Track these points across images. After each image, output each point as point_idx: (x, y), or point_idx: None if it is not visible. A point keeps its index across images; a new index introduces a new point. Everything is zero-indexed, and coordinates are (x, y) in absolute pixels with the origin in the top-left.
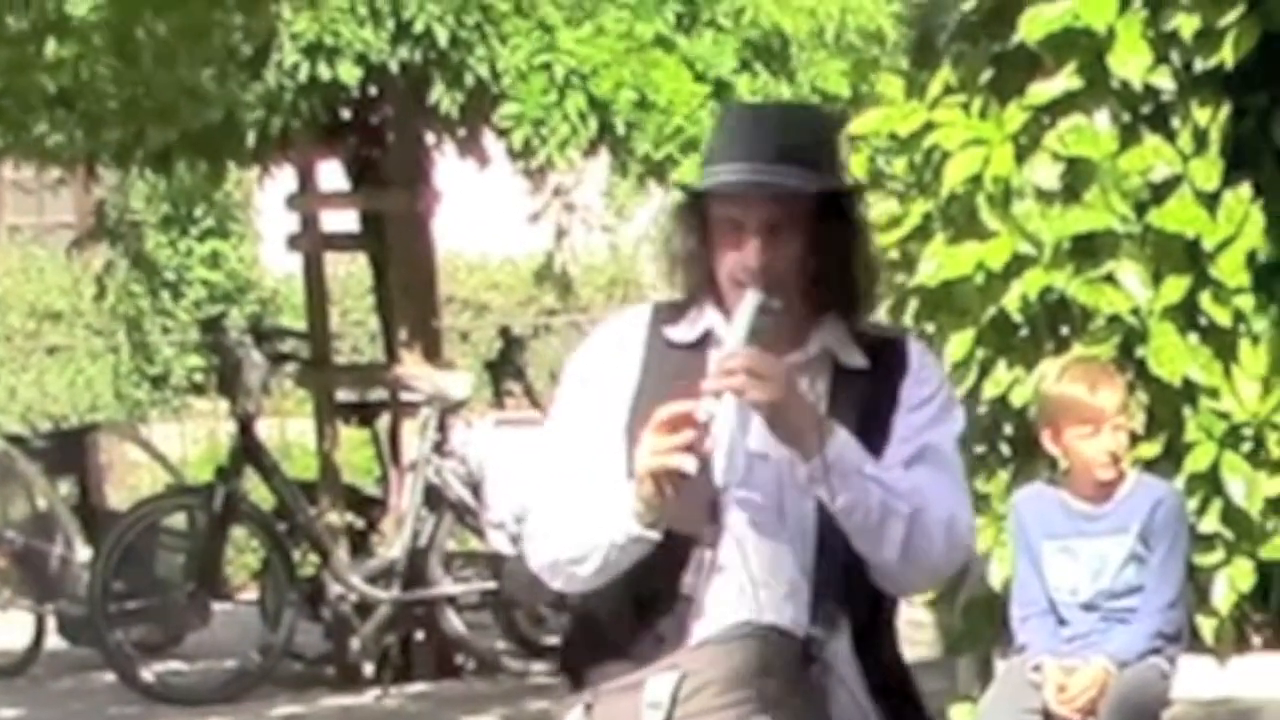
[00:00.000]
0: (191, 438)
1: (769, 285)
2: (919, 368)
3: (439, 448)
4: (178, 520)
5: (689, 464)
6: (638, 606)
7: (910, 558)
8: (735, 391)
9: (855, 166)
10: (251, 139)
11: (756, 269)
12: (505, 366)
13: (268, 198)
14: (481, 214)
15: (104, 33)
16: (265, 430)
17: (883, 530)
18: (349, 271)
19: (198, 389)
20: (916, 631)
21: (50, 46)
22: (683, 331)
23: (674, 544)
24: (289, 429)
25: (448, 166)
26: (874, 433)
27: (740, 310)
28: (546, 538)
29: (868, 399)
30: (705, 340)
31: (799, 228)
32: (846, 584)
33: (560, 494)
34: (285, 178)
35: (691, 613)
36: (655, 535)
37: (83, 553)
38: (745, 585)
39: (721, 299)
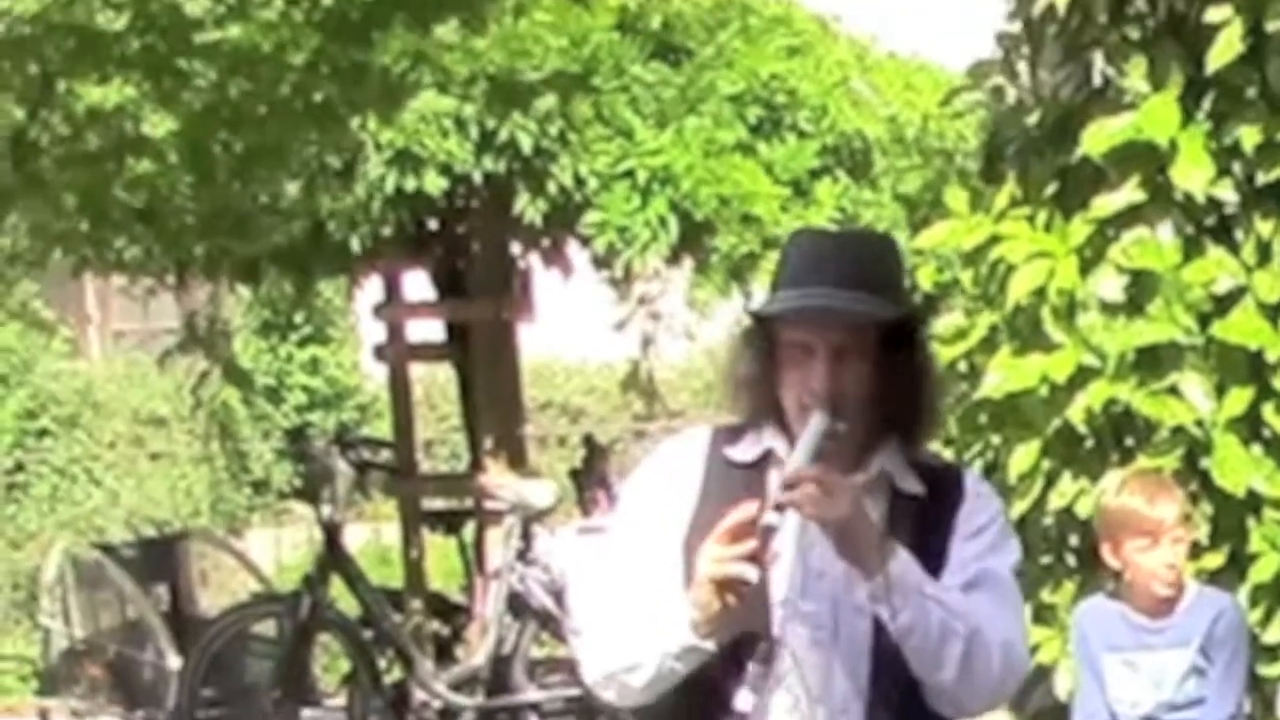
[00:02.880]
0: (290, 543)
1: (835, 409)
2: (975, 496)
3: (523, 555)
4: (267, 627)
5: (750, 572)
6: (689, 716)
7: (967, 679)
8: (801, 506)
9: (923, 278)
10: (339, 249)
11: (823, 393)
12: (589, 474)
13: (366, 305)
14: (577, 319)
15: (180, 149)
16: (361, 536)
17: (941, 650)
18: (449, 377)
19: (298, 494)
20: None
21: (129, 163)
22: (743, 451)
23: (729, 658)
24: (384, 535)
25: (546, 271)
26: (930, 558)
27: (806, 432)
28: (600, 649)
29: (924, 524)
30: (766, 460)
31: (866, 353)
32: (901, 704)
33: (615, 606)
34: (376, 286)
35: None
36: (710, 646)
37: (173, 661)
38: (801, 702)
39: (784, 422)
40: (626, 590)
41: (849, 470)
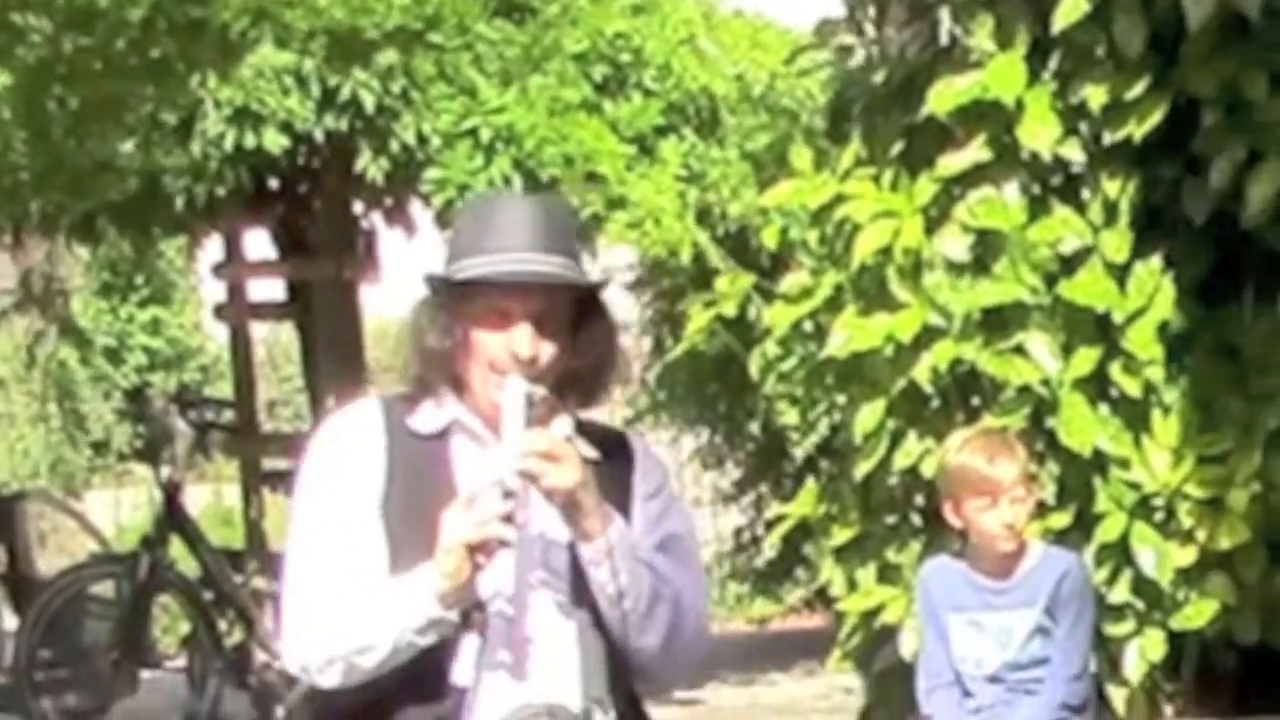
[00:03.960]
0: (130, 504)
1: (534, 375)
2: (644, 457)
3: None
4: (105, 588)
5: (509, 532)
6: (407, 693)
7: (670, 645)
8: (533, 475)
9: (767, 237)
10: (178, 207)
11: (526, 358)
12: None
13: (207, 265)
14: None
15: (15, 105)
16: (202, 497)
17: (651, 615)
18: (292, 337)
19: (139, 455)
20: (848, 698)
21: None
22: (425, 422)
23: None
24: (225, 495)
25: (390, 230)
26: None
27: (509, 399)
28: (321, 634)
29: (605, 489)
30: (449, 430)
31: (561, 319)
32: (609, 661)
33: (326, 589)
34: (217, 246)
35: (467, 697)
36: (454, 616)
37: (9, 621)
38: (520, 666)
39: (463, 389)
40: (337, 573)
41: None
